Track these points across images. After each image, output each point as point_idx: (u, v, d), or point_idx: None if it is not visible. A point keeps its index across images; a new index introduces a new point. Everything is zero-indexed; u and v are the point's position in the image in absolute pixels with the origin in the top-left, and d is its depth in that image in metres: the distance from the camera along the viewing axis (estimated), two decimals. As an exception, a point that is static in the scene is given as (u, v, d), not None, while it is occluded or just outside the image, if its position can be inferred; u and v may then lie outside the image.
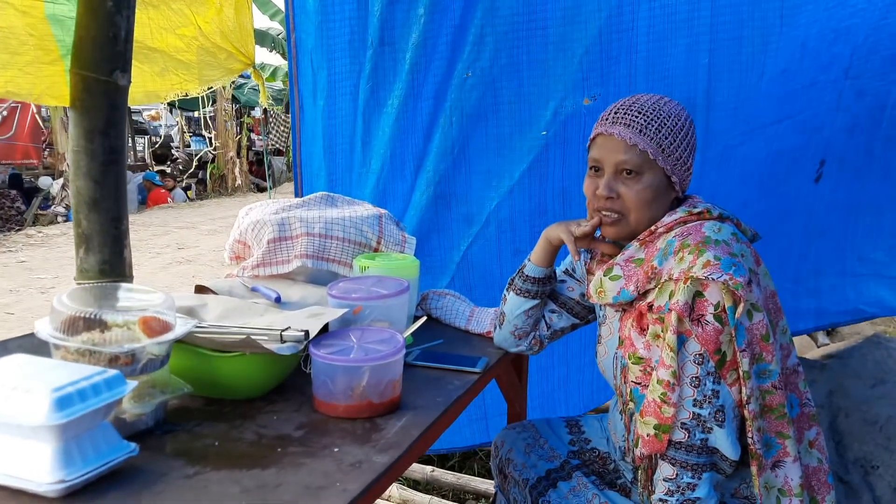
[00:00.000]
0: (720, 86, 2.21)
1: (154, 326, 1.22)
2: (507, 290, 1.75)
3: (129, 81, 1.66)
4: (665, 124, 1.44)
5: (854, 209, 2.43)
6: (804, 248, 2.50)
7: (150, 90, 1.99)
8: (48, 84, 1.63)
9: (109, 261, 1.67)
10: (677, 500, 1.35)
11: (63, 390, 0.97)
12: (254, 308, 1.58)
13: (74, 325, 1.18)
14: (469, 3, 2.29)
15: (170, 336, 1.22)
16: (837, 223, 2.46)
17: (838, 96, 2.22)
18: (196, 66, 2.11)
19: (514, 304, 1.73)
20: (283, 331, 1.37)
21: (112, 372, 1.05)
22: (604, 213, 1.51)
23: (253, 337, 1.33)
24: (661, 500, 1.37)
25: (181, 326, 1.27)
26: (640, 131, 1.44)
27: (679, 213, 1.46)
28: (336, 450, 1.20)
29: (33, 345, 1.43)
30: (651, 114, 1.45)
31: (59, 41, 1.65)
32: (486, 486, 2.84)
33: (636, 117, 1.45)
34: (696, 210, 1.46)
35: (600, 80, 2.27)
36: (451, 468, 3.02)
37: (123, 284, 1.44)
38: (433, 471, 2.95)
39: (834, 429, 2.29)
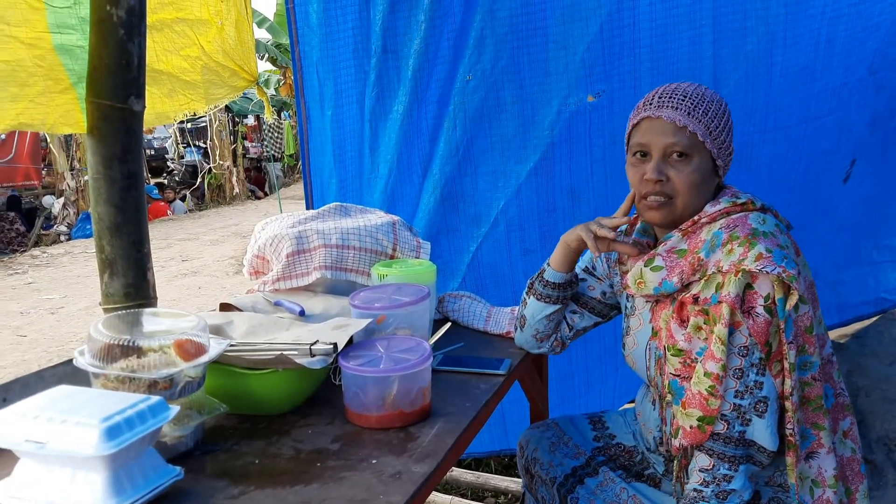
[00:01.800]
0: (726, 77, 2.22)
1: (189, 349, 1.24)
2: (527, 293, 1.75)
3: (144, 107, 1.68)
4: (711, 108, 1.44)
5: (871, 200, 2.44)
6: (825, 243, 2.49)
7: (159, 112, 2.01)
8: (61, 112, 1.65)
9: (133, 284, 1.69)
10: (712, 490, 1.36)
11: (111, 420, 0.99)
12: (279, 323, 1.60)
13: (111, 353, 1.20)
14: (468, 6, 2.30)
15: (205, 358, 1.24)
16: (857, 216, 2.47)
17: (864, 94, 2.23)
18: (202, 85, 2.13)
19: (536, 309, 1.73)
20: (311, 344, 1.39)
21: (155, 398, 1.07)
22: (651, 197, 1.48)
23: (284, 353, 1.35)
24: (695, 490, 1.38)
25: (215, 347, 1.29)
26: (689, 113, 1.43)
27: (723, 204, 1.46)
28: (374, 461, 1.22)
29: (67, 373, 1.45)
30: (697, 98, 1.45)
31: (68, 70, 1.67)
32: (506, 483, 2.86)
33: (682, 101, 1.44)
34: (740, 201, 1.46)
35: (604, 77, 2.29)
36: (469, 466, 3.05)
37: (152, 309, 1.46)
38: (452, 470, 2.97)
39: (855, 409, 2.29)
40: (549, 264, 1.70)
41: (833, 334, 2.60)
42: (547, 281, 1.70)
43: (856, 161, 2.35)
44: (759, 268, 1.31)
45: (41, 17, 1.66)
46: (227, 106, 16.20)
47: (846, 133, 2.29)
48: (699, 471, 1.38)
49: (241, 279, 7.71)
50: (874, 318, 2.57)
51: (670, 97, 1.46)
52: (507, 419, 2.82)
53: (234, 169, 16.63)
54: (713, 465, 1.36)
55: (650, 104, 1.48)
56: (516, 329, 1.81)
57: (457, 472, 2.96)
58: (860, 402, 2.30)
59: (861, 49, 2.16)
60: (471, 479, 2.93)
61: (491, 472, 2.98)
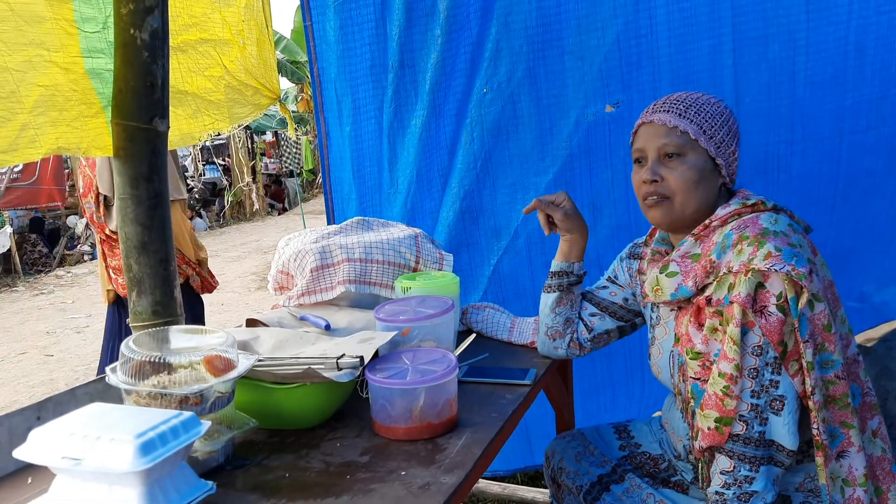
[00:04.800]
0: (748, 86, 2.20)
1: (218, 365, 1.25)
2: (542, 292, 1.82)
3: (168, 127, 1.71)
4: (704, 109, 1.48)
5: None
6: (869, 266, 2.41)
7: (185, 132, 2.04)
8: (93, 136, 1.68)
9: (161, 301, 1.71)
10: (734, 493, 1.35)
11: (145, 436, 1.01)
12: (305, 337, 1.62)
13: (142, 370, 1.22)
14: (484, 20, 2.32)
15: (235, 373, 1.26)
16: None
17: None
18: (225, 104, 2.16)
19: (542, 302, 1.80)
20: (338, 358, 1.40)
21: (187, 414, 1.09)
22: (649, 197, 1.51)
23: (312, 367, 1.36)
24: (717, 492, 1.38)
25: (244, 362, 1.31)
26: (680, 115, 1.48)
27: (733, 206, 1.47)
28: (403, 473, 1.23)
29: (99, 390, 1.47)
30: (690, 101, 1.50)
31: (99, 94, 1.70)
32: (532, 494, 2.85)
33: (675, 104, 1.50)
34: (751, 202, 1.46)
35: (622, 87, 2.29)
36: (495, 477, 3.04)
37: (181, 326, 1.48)
38: (479, 481, 2.97)
39: (884, 412, 2.26)
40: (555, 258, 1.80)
41: (860, 338, 2.56)
42: (551, 272, 1.79)
43: None
44: (767, 266, 1.32)
45: (75, 41, 1.70)
46: (244, 123, 16.36)
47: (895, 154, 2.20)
48: (720, 473, 1.38)
49: (264, 295, 7.77)
50: (902, 322, 2.53)
51: (664, 102, 1.52)
52: (532, 435, 2.80)
53: (254, 185, 16.77)
54: (734, 467, 1.36)
55: (647, 112, 1.54)
56: (538, 334, 1.83)
57: (483, 484, 2.96)
58: (889, 406, 2.27)
59: None
60: (497, 490, 2.92)
61: (517, 484, 2.97)
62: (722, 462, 1.38)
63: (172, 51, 1.75)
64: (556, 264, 1.78)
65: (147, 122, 1.66)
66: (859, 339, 2.52)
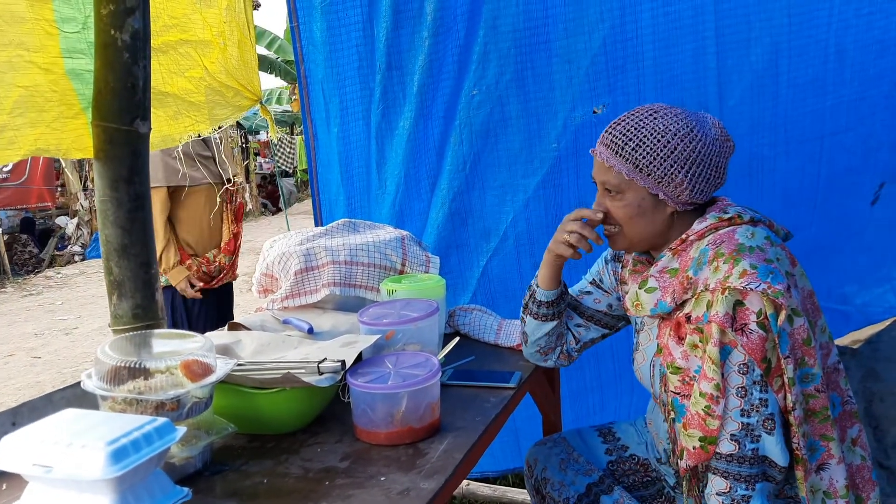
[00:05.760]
0: (731, 89, 2.21)
1: (196, 370, 1.24)
2: (524, 312, 1.75)
3: (150, 129, 1.69)
4: (644, 143, 1.43)
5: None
6: (852, 264, 2.44)
7: (165, 134, 2.03)
8: (73, 138, 1.66)
9: (142, 305, 1.70)
10: None
11: (117, 443, 0.99)
12: (287, 341, 1.60)
13: (119, 375, 1.20)
14: (471, 22, 2.32)
15: (212, 378, 1.24)
16: (882, 237, 2.40)
17: (892, 111, 2.19)
18: (206, 106, 2.15)
19: (533, 328, 1.73)
20: (319, 363, 1.39)
21: (161, 420, 1.07)
22: (605, 227, 1.56)
23: (292, 372, 1.35)
24: None
25: (222, 367, 1.29)
26: (616, 152, 1.45)
27: (709, 220, 1.46)
28: (382, 479, 1.22)
29: (76, 395, 1.46)
30: (632, 132, 1.45)
31: (79, 94, 1.69)
32: (523, 496, 2.84)
33: (616, 137, 1.46)
34: (727, 216, 1.45)
35: (608, 90, 2.29)
36: (486, 480, 3.03)
37: (160, 330, 1.47)
38: (468, 485, 2.96)
39: (870, 414, 2.28)
40: (538, 284, 1.69)
41: (846, 340, 2.57)
42: (540, 301, 1.69)
43: (885, 184, 2.29)
44: (743, 285, 1.31)
45: (55, 41, 1.68)
46: (238, 123, 16.32)
47: (873, 153, 2.24)
48: (717, 494, 1.36)
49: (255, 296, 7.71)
50: (887, 323, 2.53)
51: (610, 132, 1.49)
52: (521, 436, 2.79)
53: (248, 185, 16.73)
54: (730, 488, 1.35)
55: (600, 137, 1.52)
56: (523, 344, 1.81)
57: (473, 486, 2.95)
58: (875, 408, 2.27)
59: (879, 62, 2.12)
60: (487, 492, 2.91)
61: (508, 486, 2.96)
62: (717, 483, 1.36)
63: (153, 52, 1.73)
64: (548, 294, 1.67)
65: (128, 123, 1.64)
66: (845, 340, 2.52)
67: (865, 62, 2.13)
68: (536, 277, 1.70)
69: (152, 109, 1.74)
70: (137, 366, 1.20)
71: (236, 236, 3.53)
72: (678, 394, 1.42)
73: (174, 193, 3.24)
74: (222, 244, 3.45)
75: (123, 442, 1.00)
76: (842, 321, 2.46)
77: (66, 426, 1.05)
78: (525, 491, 2.84)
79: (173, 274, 3.25)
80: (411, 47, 2.38)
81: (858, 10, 2.09)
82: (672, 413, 1.45)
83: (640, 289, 1.52)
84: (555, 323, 1.70)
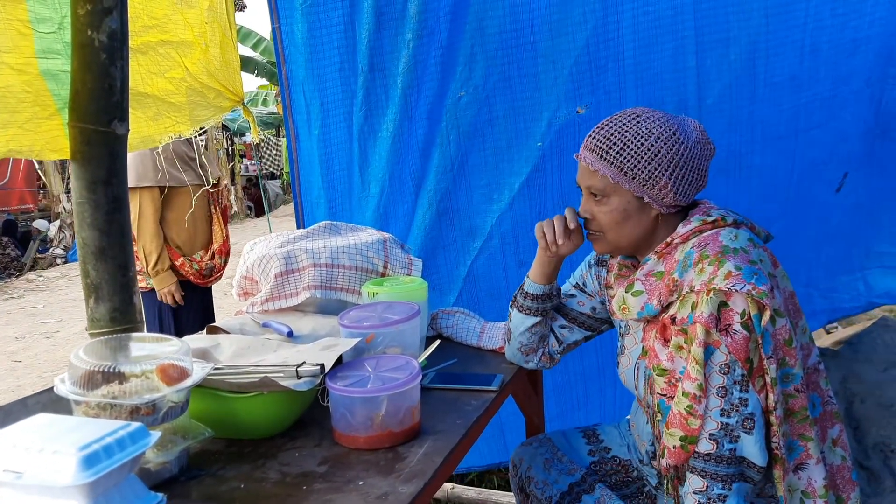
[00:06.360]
0: (710, 87, 2.23)
1: (172, 374, 1.22)
2: (512, 306, 1.76)
3: (128, 130, 1.67)
4: (628, 147, 1.43)
5: (861, 207, 2.45)
6: (817, 252, 2.52)
7: (145, 135, 2.00)
8: (48, 139, 1.64)
9: (119, 308, 1.68)
10: None
11: (89, 448, 0.97)
12: (267, 344, 1.59)
13: (93, 380, 1.18)
14: (455, 24, 2.31)
15: (188, 382, 1.23)
16: (848, 224, 2.48)
17: (859, 106, 2.25)
18: (186, 107, 2.13)
19: (517, 321, 1.74)
20: (298, 366, 1.37)
21: (135, 425, 1.06)
22: (589, 231, 1.57)
23: (269, 375, 1.34)
24: None
25: (198, 371, 1.28)
26: (601, 157, 1.46)
27: (693, 223, 1.47)
28: (361, 483, 1.20)
29: (51, 400, 1.43)
30: (616, 136, 1.45)
31: (55, 95, 1.66)
32: (508, 498, 2.83)
33: (600, 142, 1.47)
34: (711, 218, 1.46)
35: (590, 90, 2.30)
36: (471, 483, 3.02)
37: (136, 334, 1.45)
38: (453, 488, 2.95)
39: (850, 415, 2.29)
40: (529, 276, 1.71)
41: (826, 341, 2.60)
42: (527, 293, 1.71)
43: (848, 174, 2.36)
44: (728, 286, 1.32)
45: (29, 42, 1.66)
46: (223, 124, 16.24)
47: (840, 144, 2.31)
48: (693, 493, 1.37)
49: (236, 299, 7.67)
50: (868, 325, 2.56)
51: (594, 136, 1.49)
52: (507, 431, 2.80)
53: (233, 188, 16.64)
54: (706, 486, 1.35)
55: (584, 141, 1.53)
56: (506, 343, 1.80)
57: (459, 489, 2.94)
58: (855, 409, 2.29)
59: (850, 60, 2.17)
60: (472, 495, 2.90)
61: (493, 488, 2.96)
62: (694, 482, 1.37)
63: (132, 52, 1.71)
64: (536, 286, 1.69)
65: (105, 124, 1.62)
66: (826, 342, 2.54)
67: (839, 61, 2.18)
68: (530, 271, 1.72)
69: (131, 110, 1.72)
70: (112, 370, 1.19)
71: (227, 238, 3.53)
72: (664, 395, 1.43)
73: (164, 194, 3.22)
74: (217, 246, 3.44)
75: (95, 447, 0.98)
76: (814, 309, 2.54)
77: (38, 431, 1.03)
78: (510, 493, 2.84)
79: (163, 278, 3.23)
80: (394, 49, 2.38)
81: (834, 9, 2.12)
82: (658, 415, 1.45)
83: (626, 292, 1.53)
84: (538, 319, 1.71)
